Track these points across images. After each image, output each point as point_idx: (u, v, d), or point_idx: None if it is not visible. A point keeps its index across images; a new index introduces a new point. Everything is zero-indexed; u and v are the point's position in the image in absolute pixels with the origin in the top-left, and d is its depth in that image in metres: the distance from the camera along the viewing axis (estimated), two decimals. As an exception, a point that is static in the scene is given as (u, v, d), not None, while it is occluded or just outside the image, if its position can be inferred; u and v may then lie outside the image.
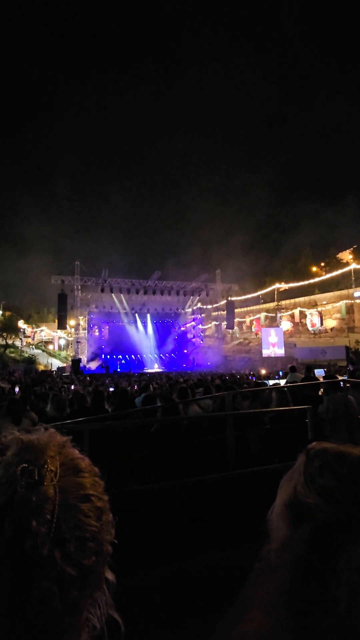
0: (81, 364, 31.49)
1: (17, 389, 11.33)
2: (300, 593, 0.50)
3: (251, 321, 45.62)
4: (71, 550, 0.48)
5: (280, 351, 31.41)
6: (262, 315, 43.11)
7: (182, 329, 42.53)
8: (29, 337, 49.16)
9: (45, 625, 0.45)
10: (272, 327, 36.30)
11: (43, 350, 47.02)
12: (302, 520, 0.55)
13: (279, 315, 40.04)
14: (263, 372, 21.62)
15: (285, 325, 38.92)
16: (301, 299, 40.58)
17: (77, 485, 0.53)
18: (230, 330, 42.57)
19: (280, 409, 5.16)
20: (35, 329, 51.75)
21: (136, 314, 38.91)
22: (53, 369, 35.08)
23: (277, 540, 0.58)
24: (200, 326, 43.27)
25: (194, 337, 42.75)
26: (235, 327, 41.66)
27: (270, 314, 41.99)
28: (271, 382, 12.10)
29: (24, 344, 45.66)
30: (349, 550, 0.50)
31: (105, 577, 0.55)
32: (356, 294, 34.05)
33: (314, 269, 49.55)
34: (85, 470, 0.56)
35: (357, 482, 0.56)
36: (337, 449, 0.60)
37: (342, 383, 5.62)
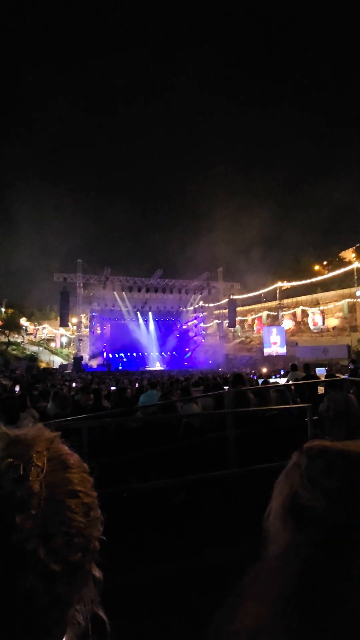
0: (83, 362, 31.62)
1: (17, 388, 11.30)
2: (307, 597, 0.46)
3: (253, 320, 45.54)
4: (57, 546, 0.47)
5: (282, 350, 31.39)
6: (264, 313, 43.03)
7: (184, 327, 42.49)
8: (31, 334, 49.17)
9: (31, 620, 0.45)
10: (274, 325, 36.24)
11: (45, 348, 46.99)
12: (309, 525, 0.51)
13: (280, 314, 39.96)
14: (264, 370, 21.61)
15: (287, 324, 38.85)
16: (303, 298, 40.48)
17: (65, 480, 0.52)
18: (232, 329, 42.51)
19: (281, 407, 5.16)
20: (37, 327, 51.69)
21: (138, 312, 38.88)
22: (55, 367, 35.15)
23: (278, 544, 0.54)
24: (202, 324, 43.21)
25: (195, 335, 42.67)
26: (237, 326, 41.61)
27: (272, 313, 41.90)
28: (271, 380, 12.08)
29: (26, 341, 45.71)
30: None
31: (92, 574, 0.54)
32: (358, 293, 33.95)
33: (317, 267, 49.36)
34: (73, 466, 0.55)
35: None
36: (339, 447, 0.56)
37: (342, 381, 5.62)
